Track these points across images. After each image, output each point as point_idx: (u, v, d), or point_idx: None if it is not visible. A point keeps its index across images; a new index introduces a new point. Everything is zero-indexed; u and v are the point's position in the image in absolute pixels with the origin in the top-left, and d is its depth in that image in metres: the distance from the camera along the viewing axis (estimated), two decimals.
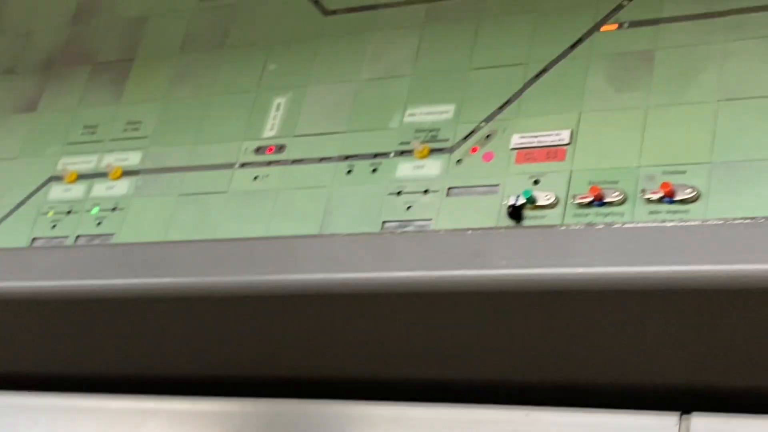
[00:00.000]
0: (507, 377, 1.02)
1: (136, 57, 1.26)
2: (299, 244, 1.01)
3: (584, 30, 1.02)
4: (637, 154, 0.94)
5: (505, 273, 0.92)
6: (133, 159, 1.18)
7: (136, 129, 1.20)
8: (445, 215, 0.99)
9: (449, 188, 1.01)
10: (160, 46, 1.26)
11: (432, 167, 1.03)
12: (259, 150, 1.12)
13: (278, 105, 1.14)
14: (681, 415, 0.92)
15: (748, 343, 0.91)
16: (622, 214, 0.92)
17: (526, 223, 0.95)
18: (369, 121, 1.08)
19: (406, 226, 1.00)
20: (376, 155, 1.06)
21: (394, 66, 1.10)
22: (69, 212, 1.17)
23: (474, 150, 1.01)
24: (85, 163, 1.21)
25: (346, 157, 1.07)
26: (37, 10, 1.37)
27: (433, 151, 1.03)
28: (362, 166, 1.06)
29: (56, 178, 1.20)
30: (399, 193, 1.02)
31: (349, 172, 1.06)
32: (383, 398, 1.04)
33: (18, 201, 1.21)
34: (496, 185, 0.98)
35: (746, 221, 0.86)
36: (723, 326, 0.90)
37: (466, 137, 1.03)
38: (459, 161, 1.02)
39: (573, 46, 1.02)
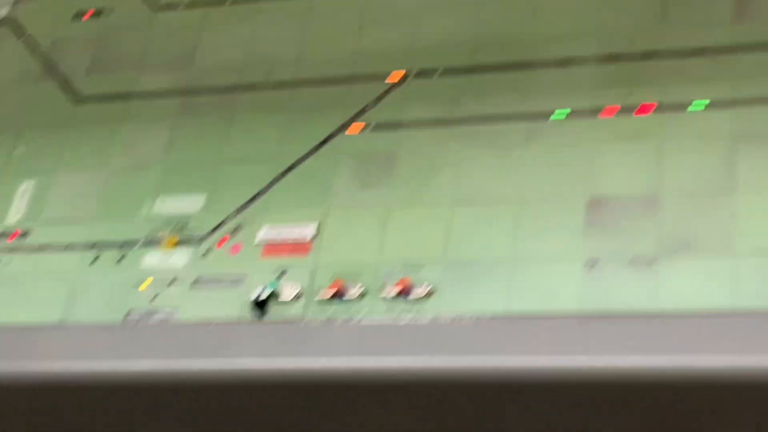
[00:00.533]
0: None
1: None
2: (39, 333, 0.99)
3: (332, 129, 1.06)
4: (378, 251, 0.98)
5: (248, 366, 0.93)
6: None
7: None
8: (191, 307, 1.00)
9: (196, 279, 1.02)
10: None
11: (179, 258, 1.03)
12: (2, 236, 1.10)
13: (25, 190, 1.13)
14: None
15: None
16: (361, 309, 0.95)
17: (269, 316, 0.97)
18: (117, 209, 1.09)
19: (150, 317, 1.00)
20: (123, 244, 1.06)
21: (146, 156, 1.11)
22: None
23: (221, 242, 1.03)
24: None
25: (93, 245, 1.06)
26: None
27: (181, 241, 1.04)
28: (108, 255, 1.05)
29: None
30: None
31: (94, 260, 1.05)
32: None
33: None
34: (242, 278, 1.00)
35: (474, 318, 0.91)
36: (453, 418, 0.95)
37: (214, 229, 1.04)
38: (206, 253, 1.03)
39: (321, 145, 1.06)
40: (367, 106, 1.07)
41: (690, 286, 0.89)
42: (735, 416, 0.88)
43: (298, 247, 1.01)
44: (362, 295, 0.96)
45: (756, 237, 0.89)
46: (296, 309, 0.97)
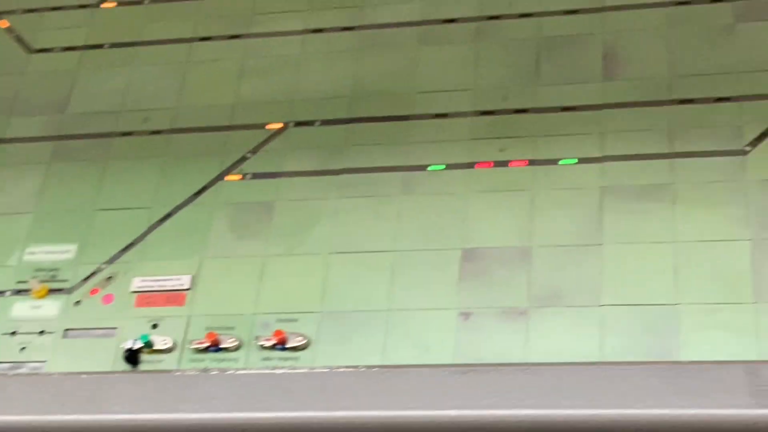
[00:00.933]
0: None
1: None
2: None
3: (209, 178, 1.06)
4: (254, 302, 0.98)
5: (119, 419, 0.92)
6: None
7: None
8: (61, 357, 0.98)
9: (66, 330, 1.00)
10: None
11: (49, 308, 1.02)
12: None
13: None
14: None
15: None
16: (236, 360, 0.95)
17: (142, 367, 0.96)
18: None
19: (18, 368, 0.98)
20: None
21: (17, 202, 1.09)
22: None
23: (94, 292, 1.02)
24: None
25: None
26: None
27: (51, 291, 1.03)
28: None
29: None
30: (14, 333, 1.00)
31: None
32: None
33: None
34: (114, 328, 0.99)
35: (350, 369, 0.92)
36: None
37: (86, 278, 1.03)
38: (78, 302, 1.01)
39: (198, 193, 1.06)
40: (245, 155, 1.07)
41: (559, 337, 0.91)
42: None
43: (173, 298, 1.00)
44: (238, 347, 0.96)
45: (621, 289, 0.92)
46: (170, 360, 0.96)
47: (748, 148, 0.97)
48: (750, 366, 0.85)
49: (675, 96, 1.01)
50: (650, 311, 0.91)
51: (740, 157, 0.96)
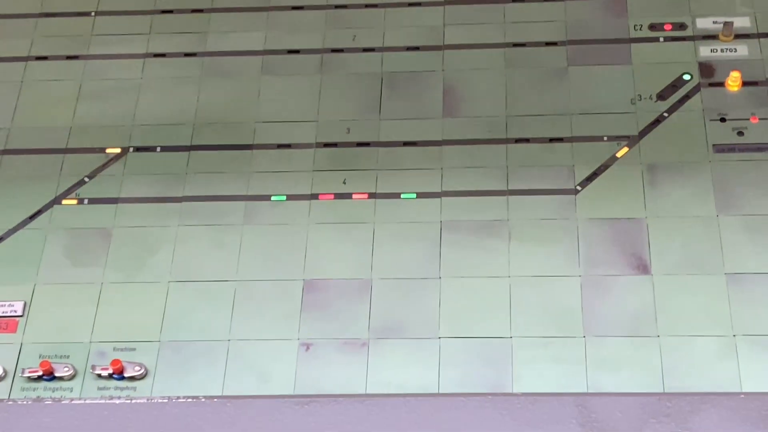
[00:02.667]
0: None
1: None
2: None
3: (44, 202, 1.05)
4: (90, 330, 0.97)
5: None
6: None
7: None
8: None
9: None
10: None
11: None
12: None
13: None
14: None
15: None
16: (71, 389, 0.94)
17: None
18: None
19: None
20: None
21: None
22: None
23: None
24: None
25: None
26: None
27: None
28: None
29: None
30: None
31: None
32: None
33: None
34: None
35: (189, 400, 0.91)
36: None
37: None
38: None
39: (32, 217, 1.04)
40: (83, 179, 1.06)
41: (399, 368, 0.93)
42: None
43: (4, 324, 0.98)
44: (72, 376, 0.95)
45: (459, 321, 0.95)
46: (2, 389, 0.94)
47: (578, 188, 1.01)
48: (580, 398, 0.88)
49: (511, 135, 1.05)
50: (486, 344, 0.94)
51: (571, 196, 1.01)
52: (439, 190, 1.02)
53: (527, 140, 1.04)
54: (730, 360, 0.91)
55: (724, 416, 0.86)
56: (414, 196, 1.02)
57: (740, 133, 1.03)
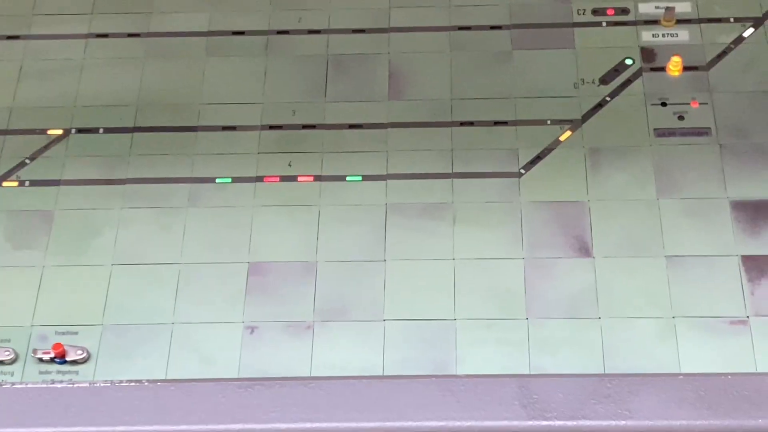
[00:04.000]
0: None
1: None
2: None
3: None
4: (31, 313, 0.96)
5: None
6: None
7: None
8: None
9: None
10: None
11: None
12: None
13: None
14: None
15: None
16: (12, 374, 0.93)
17: None
18: None
19: None
20: None
21: None
22: None
23: None
24: None
25: None
26: None
27: None
28: None
29: None
30: None
31: None
32: None
33: None
34: None
35: (133, 384, 0.91)
36: None
37: None
38: None
39: None
40: (24, 160, 1.05)
41: (344, 351, 0.93)
42: None
43: None
44: (13, 360, 0.94)
45: (403, 304, 0.95)
46: None
47: (522, 171, 1.02)
48: (522, 379, 0.90)
49: (456, 118, 1.06)
50: (430, 326, 0.94)
51: (515, 179, 1.02)
52: (385, 173, 1.02)
53: (471, 123, 1.05)
54: (669, 341, 0.92)
55: (663, 397, 0.88)
56: (359, 178, 1.02)
57: (681, 118, 1.04)
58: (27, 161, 1.05)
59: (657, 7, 1.10)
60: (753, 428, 0.87)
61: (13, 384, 0.92)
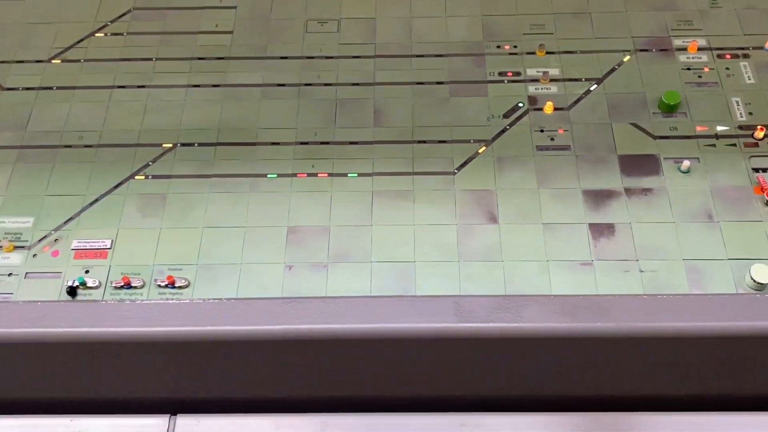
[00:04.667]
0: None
1: None
2: None
3: (124, 176, 1.03)
4: (153, 257, 0.96)
5: (63, 331, 0.88)
6: None
7: None
8: (23, 291, 0.93)
9: (27, 273, 0.95)
10: None
11: (15, 259, 0.96)
12: None
13: None
14: (170, 417, 0.93)
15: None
16: (142, 294, 0.94)
17: (79, 298, 0.93)
18: None
19: None
20: None
21: None
22: None
23: (46, 248, 0.97)
24: None
25: None
26: None
27: (16, 247, 0.97)
28: None
29: None
30: None
31: None
32: None
33: None
34: (60, 273, 0.95)
35: (216, 301, 0.91)
36: (202, 367, 0.94)
37: (40, 240, 0.98)
38: (35, 255, 0.96)
39: (116, 186, 1.02)
40: (148, 163, 1.04)
41: (347, 281, 0.94)
42: (380, 357, 0.93)
43: (99, 254, 0.96)
44: (143, 286, 0.94)
45: (383, 252, 0.96)
46: (98, 294, 0.93)
47: (456, 171, 1.02)
48: (455, 298, 0.90)
49: (416, 138, 1.05)
50: (399, 265, 0.94)
51: (452, 176, 1.01)
52: (372, 172, 1.02)
53: (425, 142, 1.04)
54: (545, 275, 0.93)
55: (542, 309, 0.89)
56: (356, 175, 1.02)
57: (552, 139, 1.04)
58: (150, 163, 1.04)
59: (538, 71, 1.10)
60: (595, 328, 0.88)
61: (143, 300, 0.92)
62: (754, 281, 0.90)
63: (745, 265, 0.92)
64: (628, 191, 0.98)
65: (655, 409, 0.93)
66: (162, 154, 1.05)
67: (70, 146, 1.06)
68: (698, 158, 1.01)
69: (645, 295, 0.90)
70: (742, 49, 1.10)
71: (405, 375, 0.95)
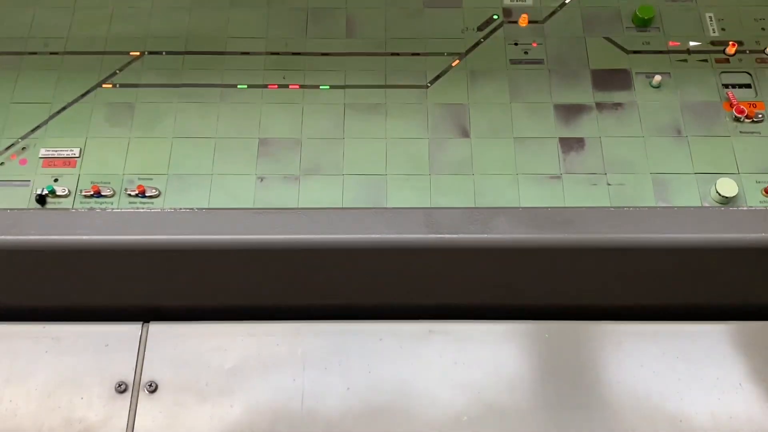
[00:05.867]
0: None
1: None
2: None
3: (91, 85, 1.01)
4: (123, 166, 0.96)
5: (34, 239, 0.89)
6: None
7: None
8: None
9: None
10: None
11: None
12: None
13: None
14: (143, 324, 0.94)
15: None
16: (112, 203, 0.93)
17: (48, 206, 0.92)
18: None
19: None
20: None
21: None
22: None
23: (13, 156, 0.96)
24: None
25: None
26: None
27: None
28: None
29: None
30: None
31: None
32: None
33: None
34: (29, 181, 0.94)
35: (187, 210, 0.91)
36: (171, 273, 0.95)
37: (7, 148, 0.96)
38: (2, 164, 0.95)
39: (84, 95, 1.00)
40: (115, 71, 1.02)
41: (318, 193, 0.94)
42: (352, 267, 0.95)
43: (68, 162, 0.96)
44: (113, 195, 0.94)
45: (354, 164, 0.95)
46: (67, 202, 0.93)
47: (429, 84, 1.01)
48: (426, 210, 0.92)
49: (389, 50, 1.04)
50: (371, 179, 0.95)
51: (424, 90, 1.01)
52: (343, 84, 1.01)
53: (398, 54, 1.03)
54: (514, 188, 0.94)
55: (511, 221, 0.91)
56: (328, 87, 1.01)
57: (526, 53, 1.03)
58: (117, 72, 1.02)
59: None
60: (561, 239, 0.90)
61: (113, 209, 0.92)
62: (719, 194, 0.92)
63: (712, 179, 0.94)
64: (599, 106, 0.99)
65: (620, 318, 0.96)
66: (129, 63, 1.03)
67: (35, 53, 1.03)
68: (669, 73, 1.02)
69: (611, 207, 0.92)
70: None
71: (376, 284, 0.97)
